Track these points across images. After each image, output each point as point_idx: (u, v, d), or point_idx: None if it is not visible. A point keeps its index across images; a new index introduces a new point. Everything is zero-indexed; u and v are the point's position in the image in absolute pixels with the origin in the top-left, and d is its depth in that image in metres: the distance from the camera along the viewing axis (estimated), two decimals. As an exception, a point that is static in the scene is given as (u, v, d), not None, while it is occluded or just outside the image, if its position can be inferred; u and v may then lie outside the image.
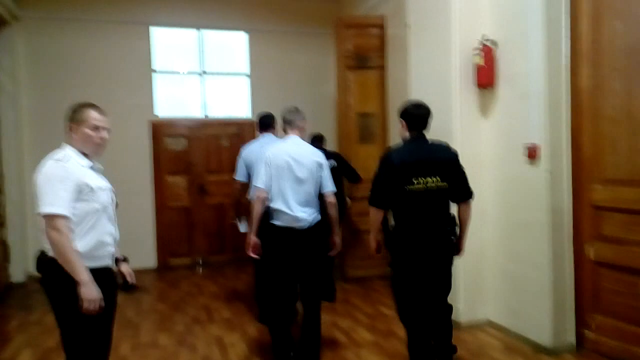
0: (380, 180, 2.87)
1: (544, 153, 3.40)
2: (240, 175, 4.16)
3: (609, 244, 3.24)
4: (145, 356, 3.65)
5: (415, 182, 2.78)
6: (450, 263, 2.98)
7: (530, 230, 3.55)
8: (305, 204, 3.21)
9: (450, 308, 3.04)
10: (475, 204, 3.94)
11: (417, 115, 2.94)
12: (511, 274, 3.78)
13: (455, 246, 3.01)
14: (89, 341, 2.23)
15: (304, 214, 3.19)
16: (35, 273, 5.43)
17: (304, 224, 3.19)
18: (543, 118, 3.39)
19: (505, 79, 3.75)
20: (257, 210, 3.20)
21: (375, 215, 2.91)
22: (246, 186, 4.09)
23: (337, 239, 3.43)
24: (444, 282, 2.96)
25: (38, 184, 2.14)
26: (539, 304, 3.49)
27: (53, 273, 2.17)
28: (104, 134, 2.30)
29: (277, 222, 3.20)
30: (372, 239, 3.00)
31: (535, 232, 3.50)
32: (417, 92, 4.46)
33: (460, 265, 3.94)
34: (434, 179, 2.81)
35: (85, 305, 2.11)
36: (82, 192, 2.16)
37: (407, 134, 2.96)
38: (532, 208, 3.52)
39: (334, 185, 3.36)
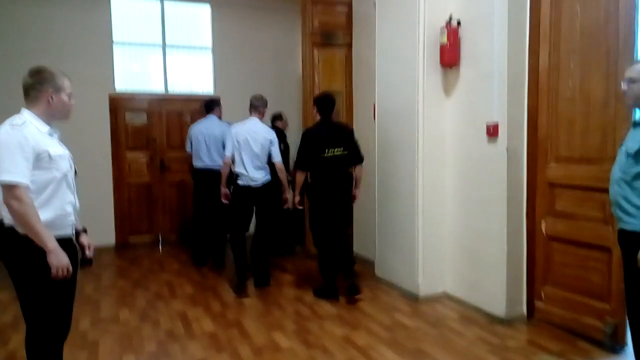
0: (304, 150, 4.07)
1: (503, 131, 3.51)
2: (188, 147, 5.42)
3: (561, 219, 3.41)
4: (106, 331, 3.59)
5: (327, 151, 4.02)
6: (349, 206, 4.28)
7: (488, 206, 3.68)
8: (257, 168, 4.42)
9: (347, 236, 4.36)
10: (435, 180, 4.11)
11: (326, 104, 4.17)
12: (468, 249, 3.92)
13: (351, 195, 4.22)
14: (51, 310, 2.19)
15: (257, 175, 4.41)
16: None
17: (257, 183, 4.42)
18: (504, 97, 3.49)
19: (469, 59, 3.83)
20: (224, 171, 4.50)
21: (300, 177, 4.13)
22: (191, 156, 5.37)
23: (286, 196, 4.48)
24: (345, 218, 4.25)
25: None
26: (494, 277, 3.64)
27: (12, 242, 2.11)
28: (73, 101, 2.30)
29: (239, 182, 4.44)
30: (297, 195, 4.17)
31: (493, 208, 3.64)
32: (382, 70, 4.53)
33: (419, 240, 4.09)
34: (339, 149, 4.07)
35: (54, 272, 2.08)
36: (41, 159, 2.09)
37: (317, 117, 4.17)
38: (491, 184, 3.65)
39: (280, 157, 4.53)
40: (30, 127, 2.10)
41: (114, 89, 6.30)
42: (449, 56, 3.88)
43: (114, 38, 6.26)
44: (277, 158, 4.48)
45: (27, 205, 2.01)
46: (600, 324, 3.14)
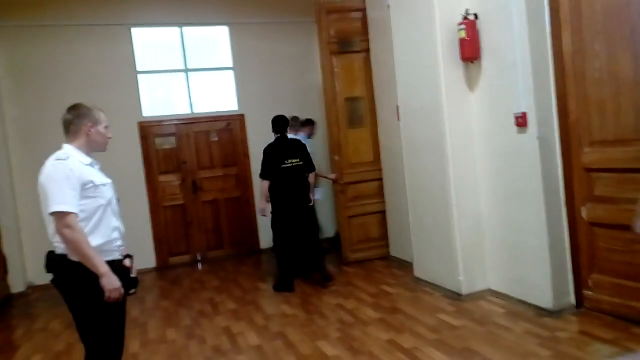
0: (267, 162, 4.79)
1: (532, 120, 3.46)
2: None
3: (602, 204, 3.32)
4: (156, 351, 3.68)
5: (286, 162, 4.75)
6: (307, 205, 4.87)
7: (525, 197, 3.62)
8: None
9: (315, 230, 5.03)
10: (467, 175, 4.08)
11: (280, 123, 4.92)
12: (509, 242, 3.85)
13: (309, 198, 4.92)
14: (107, 332, 2.28)
15: None
16: (35, 281, 5.41)
17: None
18: (530, 86, 3.44)
19: (489, 51, 3.80)
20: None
21: (265, 185, 4.79)
22: None
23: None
24: (307, 216, 4.87)
25: (43, 185, 2.16)
26: (538, 269, 3.56)
27: (65, 270, 2.20)
28: (110, 133, 2.44)
29: None
30: (262, 202, 4.84)
31: (530, 198, 3.57)
32: (403, 71, 4.52)
33: (457, 237, 4.04)
34: (296, 160, 4.79)
35: (107, 294, 2.17)
36: (87, 189, 2.20)
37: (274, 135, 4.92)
38: (525, 175, 3.58)
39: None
40: (73, 160, 2.22)
41: (142, 116, 6.47)
42: (469, 50, 3.85)
43: (138, 67, 6.45)
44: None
45: (79, 232, 2.12)
46: (653, 308, 3.04)
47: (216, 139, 6.76)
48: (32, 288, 5.85)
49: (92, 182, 2.22)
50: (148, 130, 6.50)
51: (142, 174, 6.45)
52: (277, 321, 4.04)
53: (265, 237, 6.82)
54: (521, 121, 3.52)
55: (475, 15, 3.83)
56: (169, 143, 6.62)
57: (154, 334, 4.06)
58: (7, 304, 5.36)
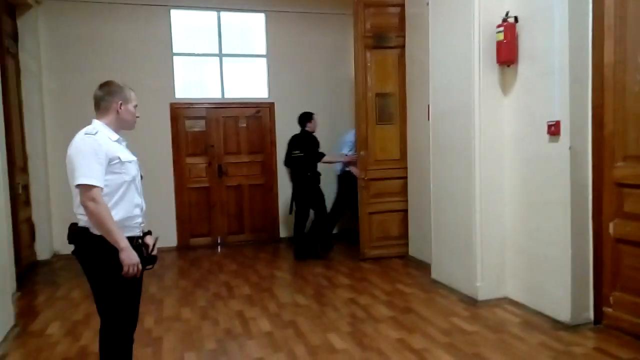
0: (286, 154, 5.94)
1: (565, 130, 3.37)
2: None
3: (631, 221, 3.22)
4: (169, 329, 3.75)
5: (293, 153, 5.80)
6: (307, 194, 5.81)
7: (551, 207, 3.54)
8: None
9: (303, 217, 5.92)
10: (493, 181, 4.02)
11: (299, 119, 5.85)
12: (530, 252, 3.78)
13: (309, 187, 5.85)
14: (123, 305, 2.34)
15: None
16: (61, 251, 5.55)
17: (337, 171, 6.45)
18: (566, 94, 3.35)
19: (527, 56, 3.71)
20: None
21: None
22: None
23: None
24: (304, 202, 5.85)
25: (72, 157, 2.21)
26: (558, 281, 3.49)
27: (87, 242, 2.26)
28: (138, 113, 2.49)
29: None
30: None
31: (556, 209, 3.49)
32: (436, 70, 4.47)
33: (477, 243, 3.99)
34: (298, 151, 5.76)
35: (125, 269, 2.22)
36: (113, 165, 2.25)
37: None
38: (553, 185, 3.51)
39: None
40: (102, 135, 2.27)
41: (174, 97, 6.57)
42: (506, 53, 3.77)
43: (174, 49, 6.54)
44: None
45: (102, 206, 2.16)
46: (676, 332, 2.95)
47: (245, 125, 6.82)
48: (58, 257, 6.03)
49: (118, 158, 2.26)
50: (179, 112, 6.59)
51: (170, 154, 6.55)
52: (290, 310, 4.08)
53: (286, 226, 6.89)
54: (554, 129, 3.44)
55: (516, 19, 3.75)
56: (198, 126, 6.71)
57: (169, 312, 4.14)
58: (32, 271, 5.54)
